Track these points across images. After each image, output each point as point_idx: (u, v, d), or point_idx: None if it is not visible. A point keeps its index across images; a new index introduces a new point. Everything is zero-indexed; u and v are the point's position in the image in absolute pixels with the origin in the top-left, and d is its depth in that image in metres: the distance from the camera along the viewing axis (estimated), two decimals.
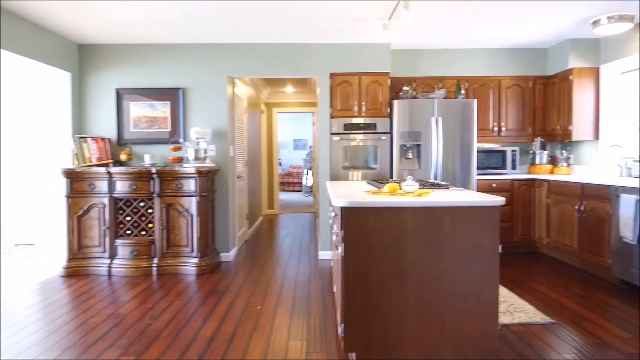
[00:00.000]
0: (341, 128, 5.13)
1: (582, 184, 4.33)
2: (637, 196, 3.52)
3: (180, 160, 4.85)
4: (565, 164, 5.37)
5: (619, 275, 3.82)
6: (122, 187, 4.59)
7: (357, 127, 5.14)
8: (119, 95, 5.01)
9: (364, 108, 5.15)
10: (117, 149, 5.03)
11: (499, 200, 2.38)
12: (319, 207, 5.32)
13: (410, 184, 2.65)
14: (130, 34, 4.70)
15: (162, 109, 5.02)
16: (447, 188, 2.98)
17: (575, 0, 3.91)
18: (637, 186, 3.56)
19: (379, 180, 3.90)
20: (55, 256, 5.09)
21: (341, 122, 5.13)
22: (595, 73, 5.12)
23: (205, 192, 4.69)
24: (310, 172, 12.71)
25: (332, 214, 2.80)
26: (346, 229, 2.39)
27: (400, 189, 2.73)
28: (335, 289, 3.31)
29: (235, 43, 5.08)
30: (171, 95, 5.02)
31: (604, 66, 5.04)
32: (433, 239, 2.39)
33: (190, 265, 4.64)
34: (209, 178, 4.81)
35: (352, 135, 5.14)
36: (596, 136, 5.11)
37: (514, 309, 3.30)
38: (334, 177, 5.14)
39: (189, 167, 4.53)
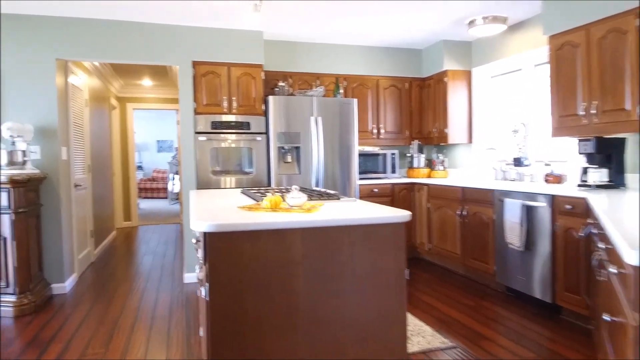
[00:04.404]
0: (209, 126, 4.37)
1: (463, 188, 4.21)
2: (522, 201, 3.42)
3: None
4: (441, 167, 5.32)
5: (505, 282, 3.72)
6: None
7: (227, 125, 4.43)
8: None
9: (235, 104, 4.47)
10: None
11: (404, 215, 1.91)
12: (185, 218, 4.49)
13: (296, 196, 2.06)
14: None
15: None
16: (338, 198, 2.46)
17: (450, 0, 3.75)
18: (523, 190, 3.47)
19: (256, 189, 3.26)
20: None
21: (208, 120, 4.37)
22: (468, 76, 5.14)
23: (25, 207, 3.56)
24: (176, 176, 11.51)
25: (195, 240, 2.09)
26: (212, 262, 1.71)
27: (284, 201, 2.13)
28: (201, 333, 2.58)
29: (69, 17, 4.00)
30: None
31: (475, 69, 5.07)
32: (328, 267, 1.83)
33: (5, 305, 3.47)
34: (29, 189, 3.67)
35: (222, 135, 4.41)
36: (470, 139, 5.13)
37: (411, 332, 2.93)
38: (203, 183, 4.36)
39: None
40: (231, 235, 1.72)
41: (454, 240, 4.36)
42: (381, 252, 1.87)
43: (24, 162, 3.63)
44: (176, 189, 11.49)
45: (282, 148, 4.44)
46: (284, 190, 2.94)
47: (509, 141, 4.56)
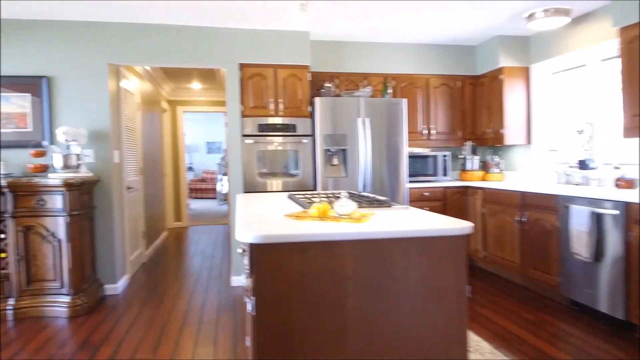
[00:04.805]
0: (255, 129, 4.33)
1: (522, 193, 3.94)
2: (590, 208, 3.14)
3: (44, 169, 3.75)
4: (497, 170, 5.03)
5: (569, 294, 3.43)
6: None
7: (274, 128, 4.37)
8: None
9: (281, 106, 4.41)
10: None
11: (465, 226, 1.74)
12: (232, 219, 4.48)
13: (345, 204, 1.94)
14: None
15: (20, 103, 3.87)
16: (389, 206, 2.31)
17: None
18: (591, 196, 3.18)
19: (302, 193, 3.17)
20: None
21: (255, 122, 4.33)
22: (526, 73, 4.83)
23: (79, 209, 3.65)
24: (224, 177, 11.69)
25: (241, 249, 2.02)
26: (258, 275, 1.62)
27: (332, 209, 2.01)
28: (247, 343, 2.52)
29: (120, 22, 4.08)
30: (32, 85, 3.89)
31: (534, 65, 4.76)
32: (380, 283, 1.69)
33: (60, 306, 3.57)
34: (83, 191, 3.76)
35: (268, 138, 4.36)
36: (528, 140, 4.81)
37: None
38: (249, 186, 4.33)
39: (54, 179, 3.47)
40: (278, 247, 1.62)
41: (512, 248, 4.09)
42: (439, 267, 1.72)
43: (78, 166, 3.72)
44: (224, 190, 11.67)
45: (329, 150, 4.34)
46: (330, 196, 2.83)
47: (573, 142, 4.23)
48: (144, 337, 3.13)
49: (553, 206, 3.57)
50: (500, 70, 4.79)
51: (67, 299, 3.58)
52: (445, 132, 5.15)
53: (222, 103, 8.01)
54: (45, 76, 3.91)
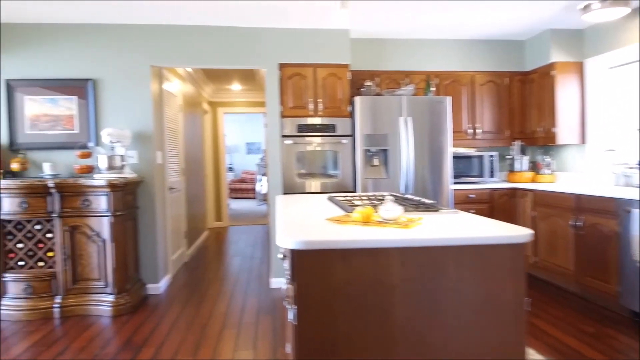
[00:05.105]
0: (294, 130, 4.28)
1: (577, 195, 3.69)
2: None
3: (90, 169, 3.84)
4: (548, 171, 4.76)
5: (630, 306, 3.18)
6: (9, 206, 3.53)
7: (313, 128, 4.30)
8: (10, 87, 3.93)
9: (320, 106, 4.33)
10: (8, 156, 3.94)
11: (524, 234, 1.60)
12: (271, 220, 4.44)
13: (390, 209, 1.83)
14: (25, 10, 3.65)
15: (67, 105, 3.98)
16: (437, 210, 2.18)
17: None
18: None
19: (343, 195, 3.08)
20: None
21: (294, 123, 4.28)
22: (580, 68, 4.54)
23: (123, 210, 3.70)
24: (264, 177, 11.77)
25: (281, 254, 1.95)
26: (300, 283, 1.54)
27: (377, 213, 1.91)
28: (288, 349, 2.46)
29: (161, 25, 4.12)
30: (79, 88, 3.99)
31: (589, 60, 4.47)
32: (430, 294, 1.58)
33: (104, 305, 3.64)
34: (127, 192, 3.82)
35: (307, 139, 4.29)
36: (583, 139, 4.53)
37: None
38: (288, 186, 4.28)
39: (99, 179, 3.53)
40: (320, 254, 1.54)
41: (566, 254, 3.85)
42: (495, 278, 1.59)
43: (122, 167, 3.78)
44: (263, 190, 11.74)
45: (369, 151, 4.22)
46: (372, 199, 2.72)
47: (633, 141, 3.93)
48: (184, 338, 3.12)
49: (612, 210, 3.31)
50: (551, 66, 4.53)
51: (110, 298, 3.64)
52: (492, 131, 4.92)
53: (261, 104, 8.03)
54: (90, 79, 4.00)
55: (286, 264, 1.79)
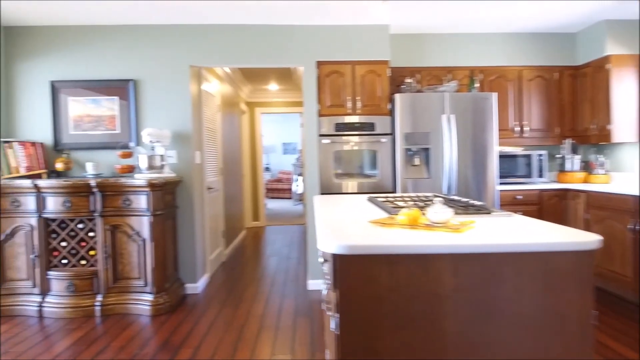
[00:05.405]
0: (332, 129, 4.19)
1: (637, 197, 3.42)
2: None
3: (131, 169, 3.88)
4: (602, 171, 4.47)
5: None
6: (54, 205, 3.60)
7: (351, 127, 4.20)
8: (55, 89, 4.02)
9: (359, 104, 4.22)
10: (52, 155, 4.04)
11: (592, 240, 1.44)
12: (308, 220, 4.36)
13: (439, 211, 1.71)
14: (69, 13, 3.72)
15: (109, 106, 4.04)
16: (489, 212, 2.03)
17: None
18: None
19: (383, 196, 2.96)
20: None
21: (332, 122, 4.18)
22: (638, 61, 4.23)
23: (162, 209, 3.72)
24: (300, 177, 11.75)
25: (321, 258, 1.86)
26: (342, 290, 1.44)
27: (424, 215, 1.79)
28: (327, 357, 2.36)
29: (199, 24, 4.11)
30: (120, 88, 4.04)
31: None
32: (486, 305, 1.45)
33: (143, 304, 3.66)
34: (166, 192, 3.83)
35: (345, 138, 4.19)
36: None
37: None
38: (325, 187, 4.19)
39: (139, 179, 3.54)
40: (365, 259, 1.44)
41: (624, 261, 3.58)
42: (559, 288, 1.44)
43: (162, 166, 3.79)
44: (300, 190, 11.72)
45: (409, 150, 4.08)
46: (416, 200, 2.59)
47: None
48: (222, 339, 3.09)
49: None
50: (606, 59, 4.25)
51: (150, 297, 3.66)
52: (541, 128, 4.66)
53: (298, 104, 7.99)
54: (131, 79, 4.04)
55: (326, 268, 1.70)
